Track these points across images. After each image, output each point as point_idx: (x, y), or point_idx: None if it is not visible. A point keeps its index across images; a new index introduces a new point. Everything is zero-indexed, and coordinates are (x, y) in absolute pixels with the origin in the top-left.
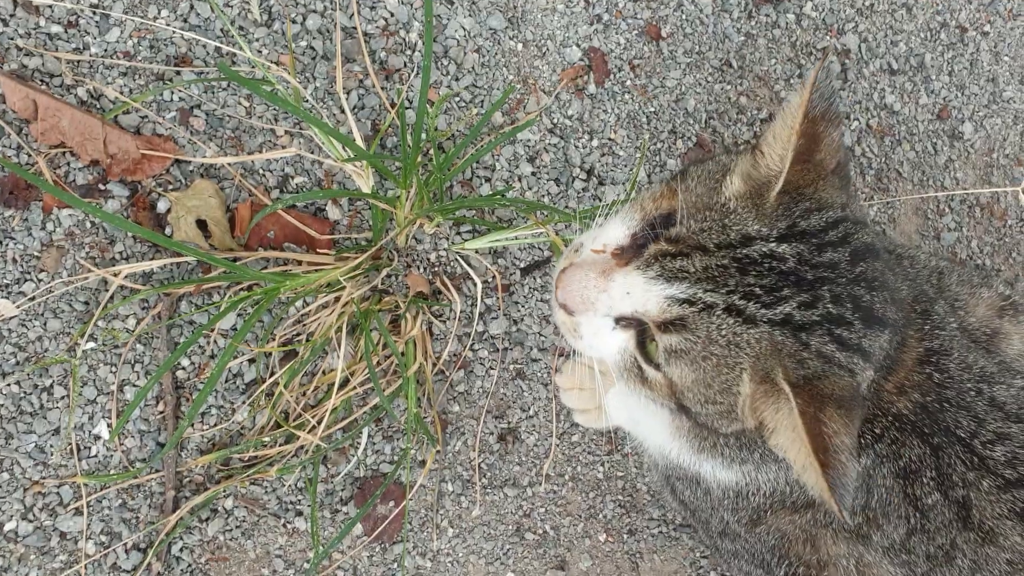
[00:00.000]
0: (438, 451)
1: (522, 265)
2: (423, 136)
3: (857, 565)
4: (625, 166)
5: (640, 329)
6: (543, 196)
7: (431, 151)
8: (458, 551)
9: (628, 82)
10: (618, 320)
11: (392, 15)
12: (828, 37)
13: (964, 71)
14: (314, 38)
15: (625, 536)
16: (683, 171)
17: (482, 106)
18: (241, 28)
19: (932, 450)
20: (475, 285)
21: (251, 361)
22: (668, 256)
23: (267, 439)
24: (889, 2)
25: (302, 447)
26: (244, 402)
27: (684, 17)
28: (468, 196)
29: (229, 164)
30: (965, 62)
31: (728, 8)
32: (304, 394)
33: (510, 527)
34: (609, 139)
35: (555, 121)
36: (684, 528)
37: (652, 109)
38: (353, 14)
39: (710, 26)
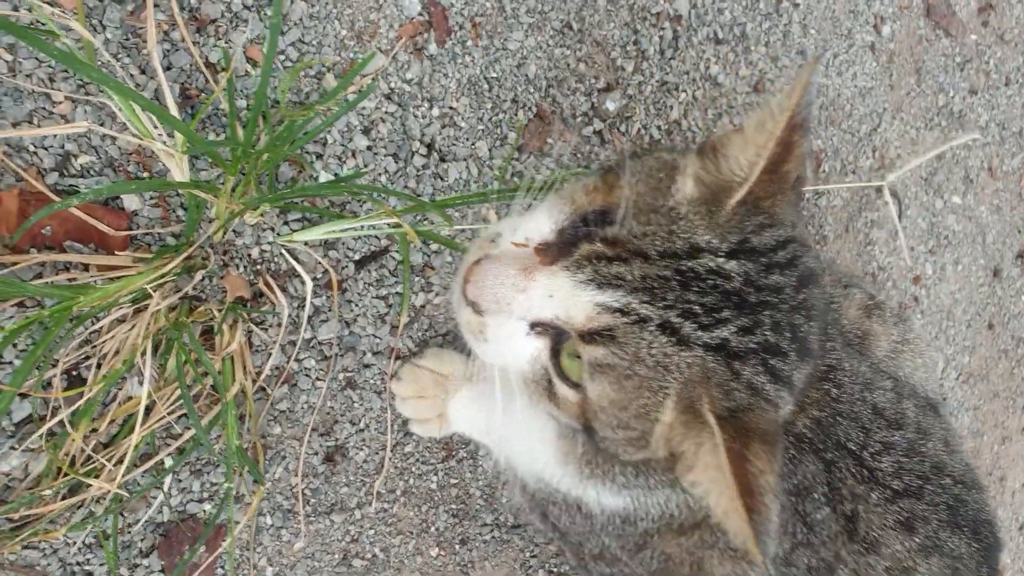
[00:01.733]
0: (266, 489)
1: (357, 257)
2: (263, 109)
3: None
4: (467, 139)
5: (556, 338)
6: (380, 174)
7: (249, 122)
8: None
9: (469, 42)
10: (533, 325)
11: None
12: (662, 2)
13: (778, 42)
14: None
15: (457, 547)
16: (618, 164)
17: (311, 66)
18: None
19: (825, 465)
20: (304, 284)
21: (23, 395)
22: (604, 259)
23: (47, 491)
24: None
25: (96, 497)
26: (14, 447)
27: None
28: (299, 176)
29: None
30: (779, 33)
31: None
32: (95, 431)
33: (336, 556)
34: (451, 108)
35: (392, 86)
36: (515, 530)
37: (494, 75)
38: None
39: None
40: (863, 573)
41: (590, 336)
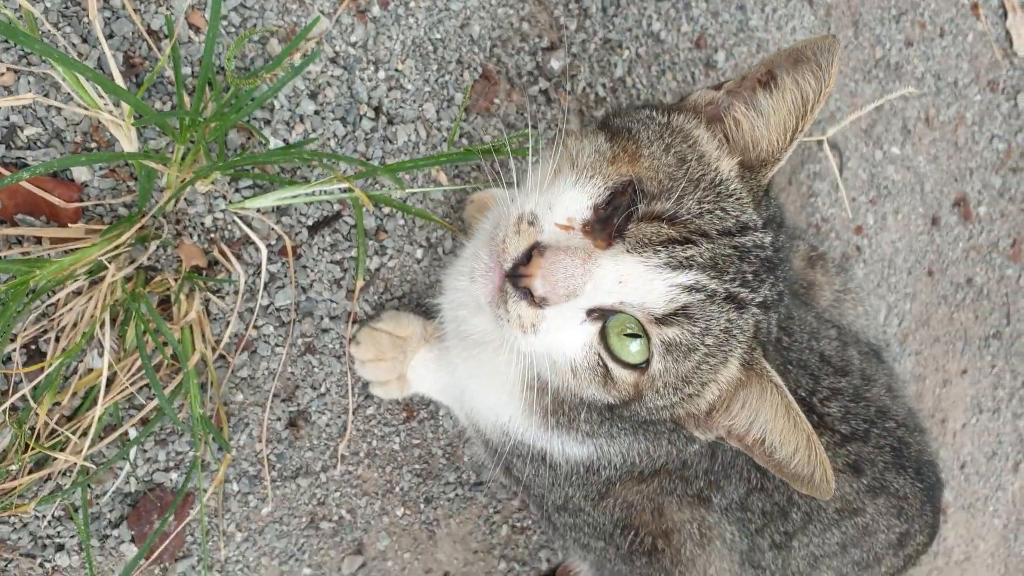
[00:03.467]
0: (232, 456)
1: (310, 222)
2: (209, 77)
3: (700, 528)
4: (414, 101)
5: (604, 321)
6: (329, 139)
7: (196, 90)
8: (248, 556)
9: (412, 3)
10: (590, 312)
11: None
12: None
13: None
14: None
15: (422, 505)
16: (626, 128)
17: (256, 34)
18: None
19: None
20: (258, 251)
21: None
22: (674, 243)
23: (13, 466)
24: None
25: (63, 470)
26: None
27: None
28: (247, 144)
29: None
30: None
31: None
32: (58, 404)
33: (303, 519)
34: (396, 70)
35: (337, 50)
36: (478, 487)
37: (438, 36)
38: None
39: None
40: (814, 515)
41: (665, 318)
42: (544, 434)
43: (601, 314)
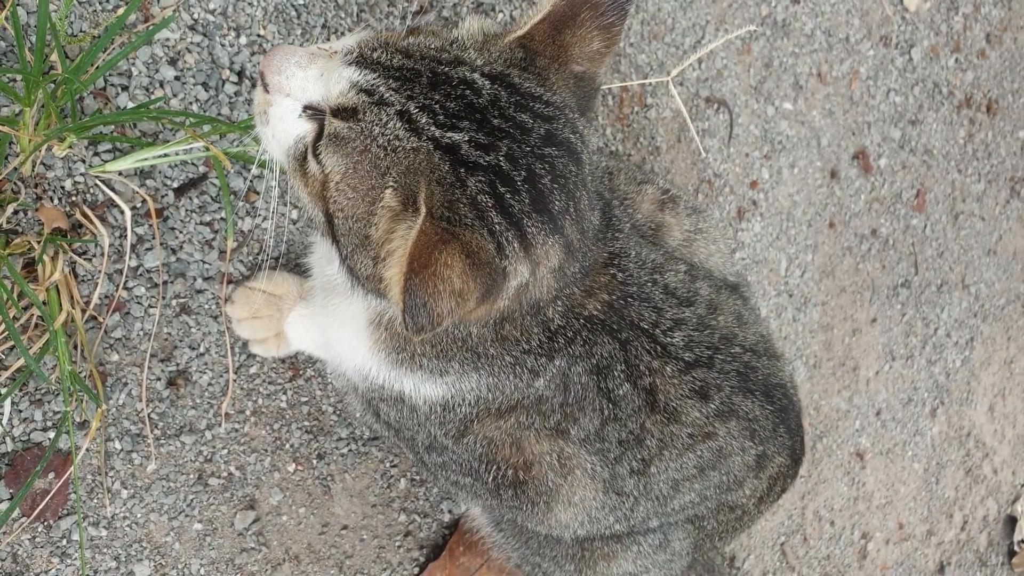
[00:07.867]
0: (105, 410)
1: (176, 185)
2: (47, 40)
3: (559, 459)
4: None
5: (322, 127)
6: (191, 103)
7: (51, 57)
8: (136, 512)
9: None
10: (306, 108)
11: None
12: None
13: None
14: None
15: (315, 461)
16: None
17: (108, 1)
18: None
19: (621, 345)
20: (123, 213)
21: None
22: (371, 48)
23: None
24: None
25: None
26: None
27: None
28: (104, 109)
29: None
30: None
31: None
32: None
33: (191, 476)
34: (259, 35)
35: (196, 16)
36: (373, 442)
37: (301, 1)
38: None
39: None
40: (668, 441)
41: (338, 111)
42: (392, 371)
43: (315, 115)
